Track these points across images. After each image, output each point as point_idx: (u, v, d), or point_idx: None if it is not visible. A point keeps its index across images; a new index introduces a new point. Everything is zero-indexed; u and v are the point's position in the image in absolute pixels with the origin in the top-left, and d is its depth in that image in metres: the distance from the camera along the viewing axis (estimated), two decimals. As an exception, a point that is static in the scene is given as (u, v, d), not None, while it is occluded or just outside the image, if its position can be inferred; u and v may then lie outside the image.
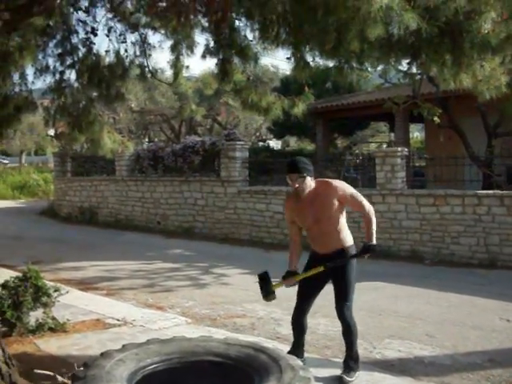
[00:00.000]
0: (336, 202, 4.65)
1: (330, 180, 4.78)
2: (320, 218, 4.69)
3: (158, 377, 3.29)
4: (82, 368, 3.11)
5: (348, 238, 4.80)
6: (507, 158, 12.78)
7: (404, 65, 7.21)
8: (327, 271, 4.68)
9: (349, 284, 4.74)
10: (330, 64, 5.67)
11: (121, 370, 3.11)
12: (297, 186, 4.64)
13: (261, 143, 30.32)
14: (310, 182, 4.68)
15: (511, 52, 4.30)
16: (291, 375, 3.05)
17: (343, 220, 4.77)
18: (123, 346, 3.44)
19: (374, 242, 4.64)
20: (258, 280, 4.94)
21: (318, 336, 6.11)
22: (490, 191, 10.85)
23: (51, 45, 7.83)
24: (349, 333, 4.80)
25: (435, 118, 11.99)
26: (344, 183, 4.78)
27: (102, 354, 3.28)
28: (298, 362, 3.27)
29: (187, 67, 8.16)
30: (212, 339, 3.65)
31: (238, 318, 7.01)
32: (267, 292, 4.82)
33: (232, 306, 7.55)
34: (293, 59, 5.62)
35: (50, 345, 5.65)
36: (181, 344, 3.53)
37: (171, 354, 3.39)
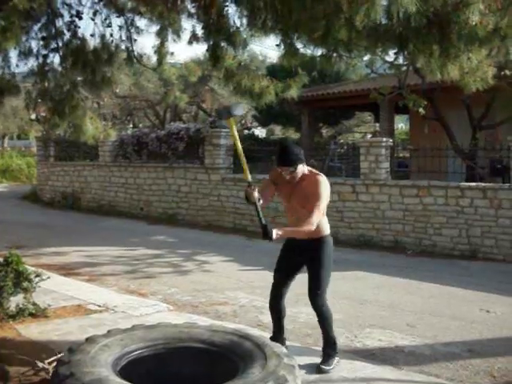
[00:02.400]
0: (307, 196, 4.59)
1: (319, 177, 4.62)
2: (296, 204, 4.68)
3: (143, 362, 3.29)
4: (67, 353, 3.09)
5: (323, 228, 4.72)
6: (491, 150, 12.84)
7: (391, 55, 7.20)
8: (300, 257, 4.69)
9: (321, 272, 4.68)
10: (318, 52, 5.66)
11: (105, 355, 3.11)
12: (288, 177, 4.60)
13: (246, 131, 30.24)
14: (302, 169, 4.62)
15: (498, 44, 4.31)
16: (276, 362, 3.06)
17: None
18: (108, 331, 3.43)
19: (275, 233, 4.34)
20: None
21: (300, 324, 6.12)
22: (473, 183, 10.92)
23: (35, 28, 7.74)
24: (322, 320, 4.79)
25: (420, 110, 11.99)
26: (326, 186, 4.59)
27: (86, 340, 3.27)
28: (283, 349, 3.28)
29: (172, 54, 8.11)
30: (197, 326, 3.65)
31: (219, 305, 7.01)
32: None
33: (214, 294, 7.55)
34: (282, 46, 5.59)
35: (31, 330, 5.61)
36: (166, 330, 3.53)
37: (156, 339, 3.39)
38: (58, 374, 2.93)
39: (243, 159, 4.49)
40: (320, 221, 4.63)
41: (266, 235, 4.35)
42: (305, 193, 4.59)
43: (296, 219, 4.69)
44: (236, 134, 4.55)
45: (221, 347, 3.35)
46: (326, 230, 4.77)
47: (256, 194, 4.45)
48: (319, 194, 4.53)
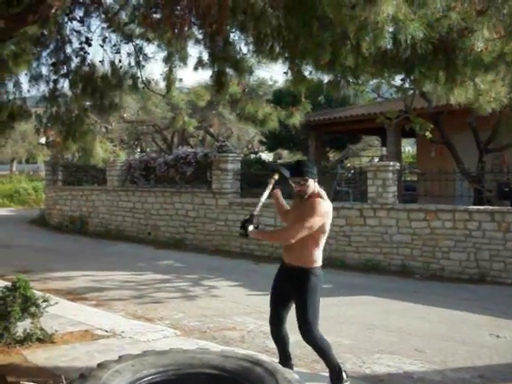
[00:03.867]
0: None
1: (320, 199, 4.55)
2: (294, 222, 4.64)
3: None
4: (78, 379, 3.09)
5: (314, 259, 4.61)
6: (498, 173, 12.84)
7: (397, 80, 7.25)
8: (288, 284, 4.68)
9: (306, 304, 4.57)
10: (325, 78, 5.71)
11: (117, 381, 3.10)
12: (298, 189, 4.58)
13: (253, 155, 30.33)
14: (313, 186, 4.58)
15: (504, 69, 4.33)
16: None
17: (313, 239, 4.57)
18: (119, 357, 3.42)
19: (251, 228, 4.46)
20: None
21: (307, 350, 6.04)
22: (481, 207, 10.89)
23: (45, 54, 7.85)
24: (320, 353, 4.73)
25: (427, 133, 12.03)
26: (325, 210, 4.51)
27: (98, 365, 3.26)
28: (295, 375, 3.26)
29: (180, 80, 8.19)
30: (208, 351, 3.63)
31: (227, 330, 6.98)
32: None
33: (222, 319, 7.52)
34: (290, 73, 5.64)
35: (38, 356, 5.60)
36: (177, 356, 3.51)
37: (167, 365, 3.38)
38: (70, 400, 2.92)
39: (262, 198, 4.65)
40: (313, 251, 4.58)
41: (242, 229, 4.42)
42: (304, 211, 4.53)
43: (290, 244, 4.64)
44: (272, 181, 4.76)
45: (232, 373, 3.32)
46: (317, 261, 4.64)
47: (251, 228, 4.49)
48: (313, 213, 4.44)
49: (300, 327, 4.62)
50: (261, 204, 4.63)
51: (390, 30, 3.88)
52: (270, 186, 4.71)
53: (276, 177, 4.74)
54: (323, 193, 4.70)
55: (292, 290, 4.68)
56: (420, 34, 3.80)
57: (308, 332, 4.60)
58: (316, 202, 4.51)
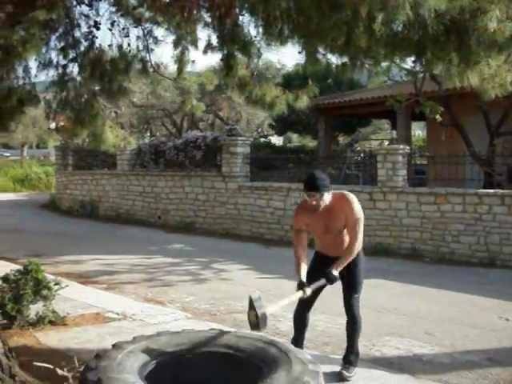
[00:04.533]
0: (344, 219, 4.67)
1: (346, 195, 4.69)
2: (331, 229, 4.73)
3: (169, 367, 3.31)
4: (94, 359, 3.13)
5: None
6: (508, 157, 12.78)
7: (408, 62, 7.21)
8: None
9: (357, 278, 4.83)
10: (338, 60, 5.67)
11: (131, 361, 3.14)
12: (314, 203, 4.60)
13: (262, 139, 30.29)
14: (328, 197, 4.63)
15: (516, 50, 4.30)
16: (300, 368, 3.06)
17: None
18: (134, 337, 3.46)
19: (335, 272, 4.55)
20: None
21: (317, 332, 6.11)
22: (491, 190, 10.85)
23: (54, 38, 7.82)
24: (353, 325, 4.85)
25: (437, 117, 11.98)
26: (358, 203, 4.69)
27: (113, 346, 3.31)
28: (308, 355, 3.28)
29: (193, 62, 8.14)
30: (222, 332, 3.67)
31: (237, 313, 7.01)
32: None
33: (232, 302, 7.56)
34: (304, 54, 5.59)
35: (50, 338, 5.66)
36: (191, 336, 3.55)
37: (181, 345, 3.41)
38: (85, 380, 2.96)
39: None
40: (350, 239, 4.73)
41: (331, 280, 4.54)
42: (341, 217, 4.66)
43: (330, 242, 4.80)
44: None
45: (246, 353, 3.36)
46: (359, 247, 4.81)
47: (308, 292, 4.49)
48: (356, 216, 4.64)
49: (348, 296, 4.83)
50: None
51: (411, 6, 3.81)
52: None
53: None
54: (338, 192, 4.79)
55: (341, 275, 4.73)
56: (443, 6, 3.76)
57: (355, 301, 4.84)
58: (350, 202, 4.65)
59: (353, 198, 4.69)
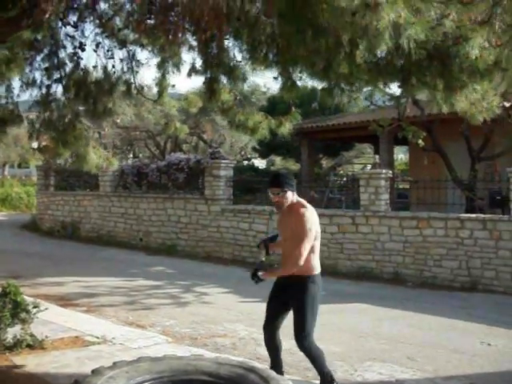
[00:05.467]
0: (294, 226, 4.55)
1: (304, 207, 4.57)
2: (284, 237, 4.69)
3: None
4: None
5: (311, 266, 4.60)
6: (490, 182, 12.89)
7: (392, 87, 7.29)
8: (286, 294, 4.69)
9: (305, 313, 4.57)
10: (318, 85, 5.73)
11: None
12: (276, 200, 4.60)
13: (246, 162, 30.35)
14: (291, 197, 4.61)
15: (499, 77, 4.35)
16: None
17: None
18: (114, 363, 3.41)
19: (262, 275, 4.57)
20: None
21: (299, 357, 6.02)
22: (473, 215, 10.93)
23: (38, 58, 7.82)
24: (313, 360, 4.71)
25: (419, 141, 12.09)
26: (311, 220, 4.52)
27: (92, 372, 3.25)
28: (289, 382, 3.25)
29: (173, 86, 8.17)
30: (203, 358, 3.62)
31: (219, 337, 6.96)
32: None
33: (213, 326, 7.49)
34: (280, 79, 5.64)
35: (28, 362, 5.55)
36: (171, 362, 3.50)
37: (162, 372, 3.36)
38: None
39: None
40: (309, 258, 4.55)
41: (254, 275, 4.54)
42: (290, 224, 4.58)
43: (283, 251, 4.72)
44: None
45: (227, 380, 3.32)
46: (315, 268, 4.64)
47: (261, 273, 4.61)
48: (303, 229, 4.46)
49: (296, 334, 4.60)
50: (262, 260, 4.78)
51: (391, 35, 3.85)
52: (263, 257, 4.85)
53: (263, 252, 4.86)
54: (303, 201, 4.72)
55: (291, 299, 4.66)
56: (422, 37, 3.80)
57: (304, 340, 4.59)
58: (300, 213, 4.52)
59: (307, 212, 4.52)
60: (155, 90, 8.41)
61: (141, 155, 32.11)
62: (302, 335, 4.58)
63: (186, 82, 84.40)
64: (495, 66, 4.06)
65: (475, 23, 3.91)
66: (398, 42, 3.78)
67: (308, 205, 4.66)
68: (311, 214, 4.55)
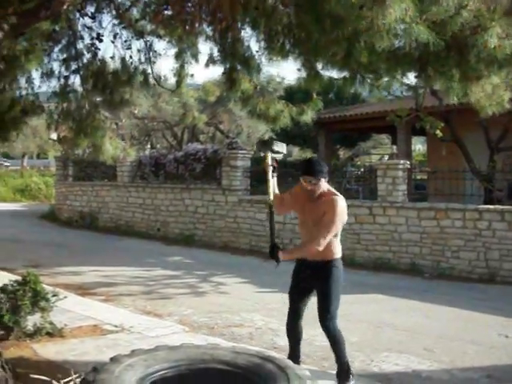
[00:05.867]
0: (322, 214, 4.55)
1: (336, 195, 4.61)
2: (310, 221, 4.65)
3: (167, 383, 3.29)
4: (91, 372, 3.11)
5: (334, 251, 4.67)
6: (509, 173, 12.78)
7: (409, 77, 7.24)
8: (309, 279, 4.68)
9: (330, 295, 4.63)
10: (337, 75, 5.70)
11: (129, 375, 3.12)
12: (309, 188, 4.57)
13: (263, 153, 30.28)
14: (324, 185, 4.60)
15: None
16: None
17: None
18: (132, 351, 3.44)
19: (281, 255, 4.43)
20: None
21: (316, 347, 6.08)
22: (491, 206, 10.84)
23: (56, 49, 7.87)
24: (334, 345, 4.74)
25: (437, 132, 11.99)
26: (343, 209, 4.57)
27: (111, 359, 3.29)
28: (306, 371, 3.26)
29: (192, 75, 8.18)
30: (220, 347, 3.65)
31: (235, 327, 6.99)
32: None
33: (230, 315, 7.53)
34: (303, 70, 5.62)
35: (47, 350, 5.64)
36: (189, 351, 3.53)
37: (179, 360, 3.39)
38: (83, 393, 2.95)
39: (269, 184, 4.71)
40: (331, 243, 4.60)
41: (273, 255, 4.41)
42: (320, 211, 4.56)
43: (309, 236, 4.69)
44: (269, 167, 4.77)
45: (244, 369, 3.33)
46: (337, 253, 4.71)
47: (280, 254, 4.48)
48: (333, 216, 4.50)
49: (322, 316, 4.66)
50: (271, 190, 4.72)
51: (399, 30, 3.85)
52: (270, 172, 4.77)
53: (269, 160, 4.78)
54: (333, 189, 4.71)
55: (315, 283, 4.70)
56: (425, 37, 3.78)
57: (329, 321, 4.64)
58: (334, 202, 4.54)
59: (340, 201, 4.56)
60: (173, 80, 8.43)
61: (158, 146, 32.19)
62: (328, 317, 4.64)
63: (203, 73, 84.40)
64: (512, 56, 4.02)
65: (494, 12, 3.87)
66: (400, 40, 3.77)
67: (339, 194, 4.69)
68: (343, 204, 4.59)
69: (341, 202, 4.57)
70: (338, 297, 4.68)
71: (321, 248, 4.48)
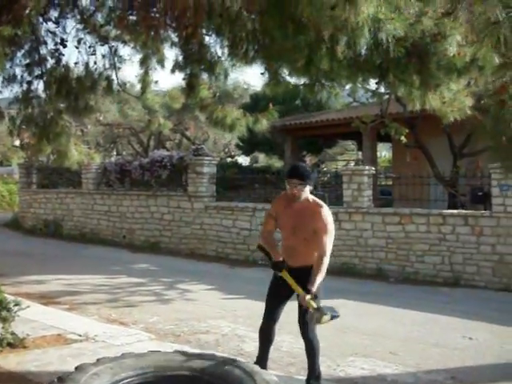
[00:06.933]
0: (314, 227, 4.60)
1: (322, 204, 4.69)
2: (298, 229, 4.66)
3: None
4: (56, 382, 3.06)
5: (313, 257, 4.68)
6: (472, 178, 12.98)
7: (372, 84, 7.33)
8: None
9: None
10: (299, 81, 5.74)
11: (95, 383, 3.08)
12: (295, 192, 4.58)
13: (229, 159, 30.31)
14: (308, 193, 4.63)
15: (476, 75, 4.39)
16: None
17: (316, 243, 4.65)
18: (97, 359, 3.39)
19: (314, 289, 4.44)
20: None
21: (282, 353, 6.08)
22: (455, 211, 11.01)
23: (19, 54, 7.77)
24: (311, 350, 4.76)
25: (402, 138, 12.14)
26: (331, 217, 4.67)
27: (76, 368, 3.23)
28: (273, 377, 3.26)
29: (156, 82, 8.16)
30: (187, 354, 3.62)
31: (202, 334, 6.95)
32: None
33: (196, 323, 7.49)
34: (266, 75, 5.65)
35: (8, 361, 5.51)
36: (155, 358, 3.49)
37: (146, 367, 3.35)
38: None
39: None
40: (313, 249, 4.64)
41: (308, 293, 4.39)
42: (311, 216, 4.60)
43: (293, 244, 4.69)
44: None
45: (211, 375, 3.32)
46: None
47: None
48: (327, 227, 4.57)
49: (303, 325, 4.68)
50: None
51: (370, 29, 3.88)
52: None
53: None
54: (317, 199, 4.77)
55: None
56: (401, 33, 3.83)
57: (309, 329, 4.68)
58: (328, 216, 4.62)
59: (327, 210, 4.66)
60: (138, 86, 8.40)
61: (124, 152, 31.97)
62: (311, 324, 4.65)
63: (169, 79, 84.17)
64: (472, 64, 4.09)
65: (448, 16, 3.93)
66: (378, 37, 3.80)
67: (325, 204, 4.76)
68: (329, 211, 4.69)
69: (328, 212, 4.66)
70: (319, 301, 4.67)
71: (327, 257, 4.57)
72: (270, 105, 7.23)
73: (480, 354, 6.29)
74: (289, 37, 4.00)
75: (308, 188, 4.62)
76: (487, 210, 10.86)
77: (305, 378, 4.95)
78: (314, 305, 4.35)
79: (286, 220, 4.76)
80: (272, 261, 4.70)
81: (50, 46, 7.71)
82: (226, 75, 6.46)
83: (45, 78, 7.80)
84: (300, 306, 4.70)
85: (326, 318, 4.31)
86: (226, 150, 33.82)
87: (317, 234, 4.57)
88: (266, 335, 4.90)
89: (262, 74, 5.99)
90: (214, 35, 5.71)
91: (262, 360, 4.84)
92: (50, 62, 7.84)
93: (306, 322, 4.66)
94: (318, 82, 5.18)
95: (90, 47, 7.69)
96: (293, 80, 6.18)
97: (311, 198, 4.71)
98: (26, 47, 7.73)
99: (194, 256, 13.77)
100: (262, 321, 4.91)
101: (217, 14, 5.27)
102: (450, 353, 6.28)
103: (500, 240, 10.13)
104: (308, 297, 4.36)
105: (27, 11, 5.99)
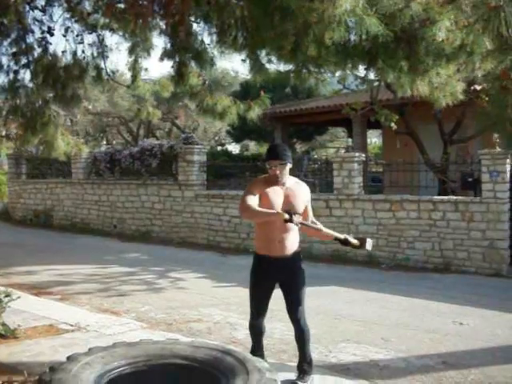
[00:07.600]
0: (303, 205, 4.63)
1: (302, 182, 4.75)
2: (274, 205, 4.48)
3: (125, 380, 3.25)
4: (48, 372, 3.05)
5: (297, 244, 4.72)
6: (462, 164, 13.02)
7: (362, 71, 7.32)
8: (279, 275, 4.62)
9: (300, 288, 4.65)
10: (286, 68, 5.71)
11: (87, 373, 3.08)
12: (277, 172, 4.49)
13: (219, 147, 30.27)
14: (288, 171, 4.57)
15: (465, 60, 4.38)
16: (258, 377, 3.04)
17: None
18: (89, 349, 3.39)
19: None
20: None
21: (274, 340, 6.10)
22: (445, 197, 11.05)
23: (5, 43, 7.68)
24: (303, 336, 4.76)
25: (392, 125, 12.15)
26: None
27: (67, 358, 3.23)
28: (265, 364, 3.26)
29: (146, 69, 8.10)
30: (178, 342, 3.62)
31: (193, 322, 6.96)
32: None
33: (188, 311, 7.49)
34: (248, 62, 5.62)
35: (0, 352, 5.50)
36: (147, 347, 3.49)
37: (138, 356, 3.35)
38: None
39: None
40: (297, 235, 4.66)
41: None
42: (299, 195, 4.62)
43: (284, 229, 4.51)
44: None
45: (203, 363, 3.32)
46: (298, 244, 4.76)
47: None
48: (309, 197, 4.75)
49: (294, 310, 4.66)
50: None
51: (350, 23, 3.88)
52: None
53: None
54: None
55: (287, 278, 4.64)
56: (376, 30, 3.81)
57: (301, 314, 4.67)
58: (307, 189, 4.74)
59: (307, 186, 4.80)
60: (128, 75, 8.33)
61: (114, 142, 31.85)
62: (301, 310, 4.66)
63: (159, 67, 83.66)
64: (461, 49, 4.08)
65: (447, 3, 3.92)
66: (356, 31, 3.80)
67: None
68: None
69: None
70: (305, 289, 4.70)
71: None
72: (262, 92, 7.19)
73: (471, 338, 6.33)
74: (275, 24, 3.97)
75: (289, 166, 4.56)
76: (477, 196, 10.91)
77: (296, 364, 4.96)
78: (354, 240, 4.82)
79: (274, 198, 4.50)
80: (279, 213, 4.32)
81: (37, 34, 7.62)
82: (213, 63, 6.41)
83: (32, 67, 7.71)
84: (287, 295, 4.68)
85: (369, 240, 4.89)
86: (217, 138, 33.76)
87: (307, 208, 4.73)
88: (258, 330, 4.86)
89: (243, 61, 5.94)
90: (202, 23, 5.68)
91: (257, 351, 4.81)
92: (37, 50, 7.75)
93: (298, 309, 4.66)
94: (305, 68, 5.15)
95: (77, 36, 7.61)
96: (280, 67, 6.17)
97: (293, 179, 4.69)
98: (13, 36, 7.64)
99: (185, 244, 13.77)
100: (250, 316, 4.84)
101: (204, 1, 5.24)
102: (441, 338, 6.32)
103: (490, 226, 10.18)
104: (347, 236, 4.74)
105: (13, -1, 5.92)
